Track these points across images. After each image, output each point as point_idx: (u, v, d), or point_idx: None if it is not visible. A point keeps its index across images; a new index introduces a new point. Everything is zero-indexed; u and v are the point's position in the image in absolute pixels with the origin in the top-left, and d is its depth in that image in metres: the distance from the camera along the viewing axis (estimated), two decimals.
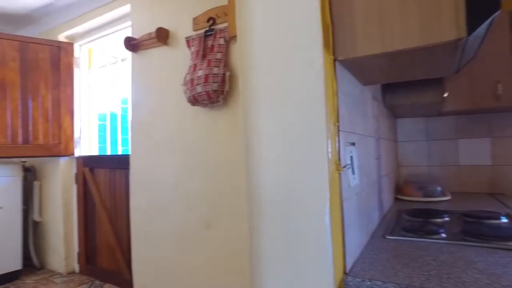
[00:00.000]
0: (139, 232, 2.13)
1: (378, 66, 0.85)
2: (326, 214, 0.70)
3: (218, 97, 1.61)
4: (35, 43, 2.71)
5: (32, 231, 2.99)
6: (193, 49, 1.72)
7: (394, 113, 1.83)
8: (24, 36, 2.72)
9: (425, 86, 1.44)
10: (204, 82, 1.58)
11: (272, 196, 0.77)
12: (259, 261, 0.78)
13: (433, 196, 1.66)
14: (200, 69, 1.63)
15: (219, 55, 1.58)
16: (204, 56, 1.65)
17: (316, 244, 0.71)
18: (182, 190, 1.87)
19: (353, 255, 0.85)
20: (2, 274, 2.66)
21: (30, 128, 2.63)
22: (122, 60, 3.05)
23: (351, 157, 0.90)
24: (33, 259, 2.95)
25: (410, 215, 1.28)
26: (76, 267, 2.84)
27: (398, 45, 0.70)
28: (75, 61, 2.84)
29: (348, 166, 0.85)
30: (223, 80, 1.58)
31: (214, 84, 1.57)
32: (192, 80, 1.65)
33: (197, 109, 1.80)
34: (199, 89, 1.61)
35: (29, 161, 3.06)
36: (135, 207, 2.15)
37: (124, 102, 2.98)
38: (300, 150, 0.73)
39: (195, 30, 1.76)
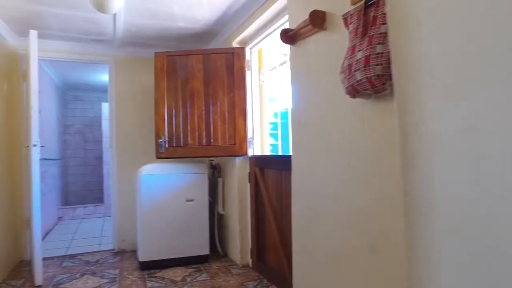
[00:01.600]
0: (299, 240, 1.97)
1: None
2: None
3: (384, 84, 1.23)
4: (214, 53, 2.99)
5: (217, 222, 3.35)
6: (351, 27, 1.40)
7: None
8: (206, 49, 3.07)
9: None
10: (365, 66, 1.24)
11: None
12: None
13: None
14: (359, 51, 1.29)
15: (383, 28, 1.20)
16: (364, 33, 1.30)
17: None
18: (342, 199, 1.58)
19: None
20: (195, 256, 3.08)
21: (211, 130, 2.92)
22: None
23: None
24: (217, 247, 3.31)
25: None
26: (250, 261, 2.98)
27: None
28: (246, 64, 2.98)
29: None
30: (390, 61, 1.19)
31: (378, 67, 1.20)
32: (350, 65, 1.33)
33: (359, 102, 1.46)
34: (358, 76, 1.27)
35: (215, 160, 3.45)
36: (296, 212, 2.01)
37: None
38: None
39: (353, 4, 1.43)
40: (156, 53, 2.99)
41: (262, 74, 3.06)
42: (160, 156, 2.91)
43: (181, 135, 2.93)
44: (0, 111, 2.89)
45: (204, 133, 2.93)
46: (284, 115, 3.00)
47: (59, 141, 5.45)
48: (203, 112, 2.93)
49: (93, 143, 6.26)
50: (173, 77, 2.97)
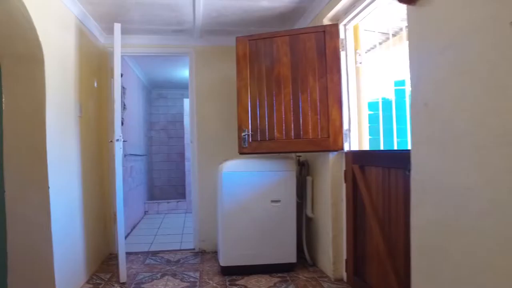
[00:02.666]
0: (424, 258, 1.48)
1: None
2: None
3: None
4: (302, 33, 2.60)
5: (305, 226, 2.97)
6: None
7: None
8: (292, 29, 2.70)
9: None
10: None
11: None
12: None
13: None
14: None
15: None
16: None
17: None
18: (501, 204, 1.06)
19: None
20: (280, 264, 2.74)
21: (301, 122, 2.54)
22: (394, 35, 2.47)
23: None
24: (305, 254, 2.92)
25: None
26: (344, 275, 2.53)
27: None
28: (340, 44, 2.53)
29: None
30: None
31: None
32: None
33: None
34: None
35: (303, 156, 3.07)
36: (420, 223, 1.52)
37: (400, 84, 2.39)
38: None
39: None
40: (238, 38, 2.71)
41: (359, 55, 2.57)
42: (243, 152, 2.63)
43: (266, 127, 2.60)
44: (90, 108, 2.92)
45: (292, 125, 2.56)
46: (386, 105, 2.47)
47: (145, 138, 5.63)
48: (291, 101, 2.56)
49: (176, 139, 6.39)
50: (257, 64, 2.66)
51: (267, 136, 2.60)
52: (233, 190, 2.69)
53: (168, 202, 5.46)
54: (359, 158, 2.35)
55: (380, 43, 2.60)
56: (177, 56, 3.61)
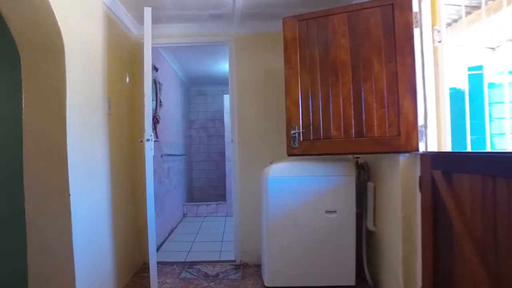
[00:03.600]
0: None
1: None
2: None
3: None
4: (364, 8, 2.12)
5: (365, 240, 2.49)
6: None
7: None
8: (351, 5, 2.23)
9: None
10: None
11: None
12: None
13: None
14: None
15: None
16: None
17: None
18: None
19: None
20: (336, 286, 2.30)
21: (364, 116, 2.07)
22: (479, 6, 1.94)
23: None
24: (365, 275, 2.45)
25: None
26: None
27: None
28: (414, 19, 2.02)
29: None
30: None
31: None
32: None
33: None
34: None
35: (361, 157, 2.60)
36: None
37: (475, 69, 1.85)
38: None
39: None
40: (284, 18, 2.30)
41: (438, 32, 2.04)
42: (292, 153, 2.22)
43: (321, 124, 2.17)
44: (122, 105, 2.66)
45: (353, 121, 2.10)
46: (474, 94, 1.94)
47: (184, 137, 5.41)
48: (351, 91, 2.11)
49: (215, 138, 6.12)
50: (308, 48, 2.23)
51: (321, 134, 2.17)
52: (280, 198, 2.30)
53: (207, 205, 5.18)
54: (441, 162, 1.84)
55: (465, 16, 2.07)
56: (215, 45, 3.26)
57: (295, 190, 2.28)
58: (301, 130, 2.20)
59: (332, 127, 2.14)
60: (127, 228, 2.68)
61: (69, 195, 1.75)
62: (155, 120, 3.37)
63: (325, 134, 2.16)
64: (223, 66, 4.76)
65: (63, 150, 1.75)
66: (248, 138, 3.05)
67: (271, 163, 2.46)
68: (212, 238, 3.90)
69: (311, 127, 2.19)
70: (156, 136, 3.39)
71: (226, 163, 5.32)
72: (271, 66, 3.03)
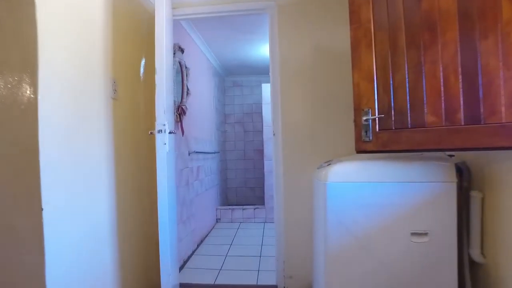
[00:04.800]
0: None
1: None
2: None
3: None
4: None
5: (469, 274, 1.74)
6: None
7: None
8: None
9: None
10: None
11: None
12: None
13: None
14: None
15: None
16: None
17: None
18: None
19: None
20: None
21: (481, 93, 1.33)
22: None
23: None
24: None
25: None
26: None
27: None
28: None
29: None
30: None
31: None
32: None
33: None
34: None
35: (456, 155, 1.85)
36: None
37: None
38: None
39: None
40: None
41: None
42: (364, 149, 1.53)
43: (408, 106, 1.46)
44: (134, 89, 2.11)
45: (461, 100, 1.36)
46: None
47: (217, 132, 4.86)
48: (458, 54, 1.37)
49: (253, 133, 5.52)
50: None
51: (409, 121, 1.46)
52: (345, 213, 1.62)
53: (243, 209, 4.58)
54: None
55: None
56: (252, 14, 2.59)
57: (367, 203, 1.60)
58: (377, 115, 1.51)
59: (426, 110, 1.42)
60: (139, 247, 2.13)
61: (42, 208, 1.21)
62: (180, 110, 2.81)
63: (415, 121, 1.44)
64: (261, 50, 4.13)
65: (33, 147, 1.21)
66: (295, 131, 2.39)
67: (328, 163, 1.79)
68: (249, 251, 3.28)
69: (393, 111, 1.49)
70: (182, 130, 2.83)
71: (265, 162, 4.69)
72: (323, 42, 2.35)
